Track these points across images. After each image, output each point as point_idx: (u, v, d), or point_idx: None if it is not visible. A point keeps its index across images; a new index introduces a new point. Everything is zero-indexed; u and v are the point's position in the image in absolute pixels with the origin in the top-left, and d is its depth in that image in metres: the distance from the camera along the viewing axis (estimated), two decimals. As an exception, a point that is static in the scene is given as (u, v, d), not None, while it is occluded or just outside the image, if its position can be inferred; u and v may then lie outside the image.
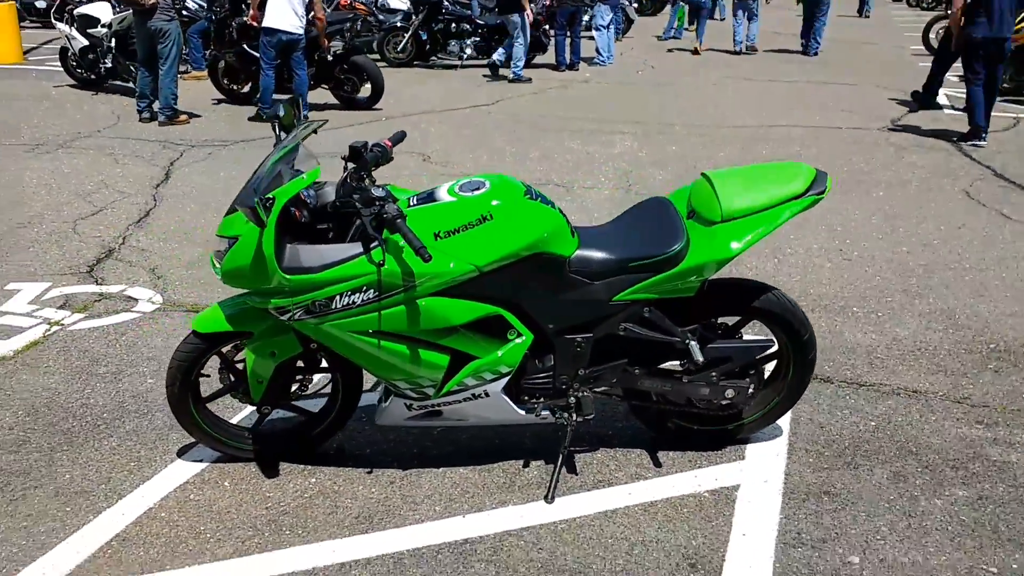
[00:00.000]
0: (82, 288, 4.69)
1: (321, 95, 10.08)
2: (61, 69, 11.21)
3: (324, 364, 3.01)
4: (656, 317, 2.82)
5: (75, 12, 10.42)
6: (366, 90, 9.88)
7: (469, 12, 13.68)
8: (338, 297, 2.61)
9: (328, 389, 3.09)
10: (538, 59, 13.52)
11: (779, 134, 8.64)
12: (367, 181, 2.69)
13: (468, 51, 13.36)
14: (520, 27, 11.95)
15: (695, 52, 14.98)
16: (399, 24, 13.39)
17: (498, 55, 12.29)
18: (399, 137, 3.01)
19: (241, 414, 3.39)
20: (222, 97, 10.30)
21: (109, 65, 10.42)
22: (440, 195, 2.75)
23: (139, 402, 3.51)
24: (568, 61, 13.13)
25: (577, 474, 3.02)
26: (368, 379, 3.14)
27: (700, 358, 2.80)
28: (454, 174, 6.98)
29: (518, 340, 2.78)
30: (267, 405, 2.97)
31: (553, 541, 2.67)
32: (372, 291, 2.60)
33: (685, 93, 11.09)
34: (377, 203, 2.51)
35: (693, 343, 2.82)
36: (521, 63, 12.02)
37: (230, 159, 7.62)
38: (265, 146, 8.09)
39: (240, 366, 2.97)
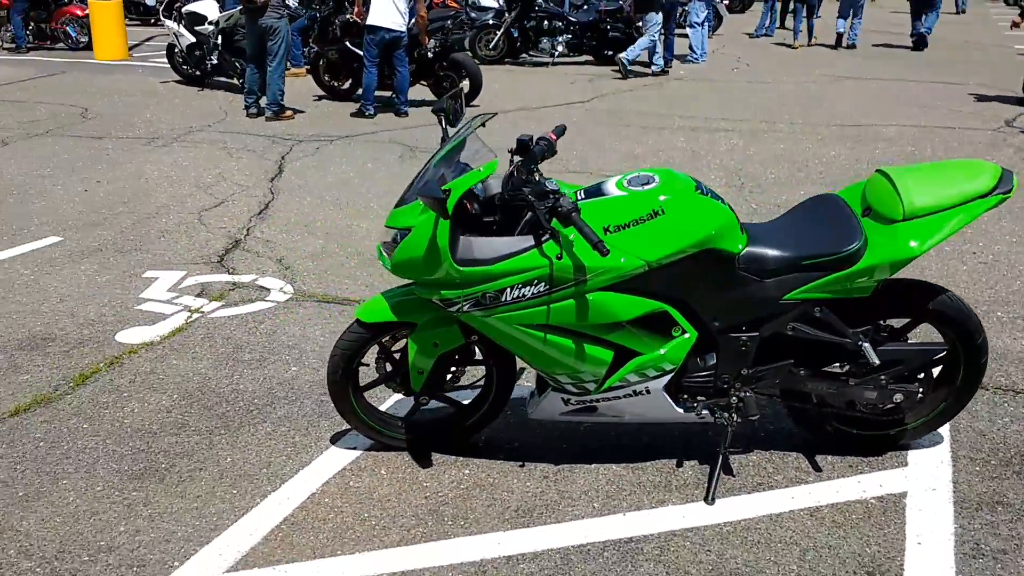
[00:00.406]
0: (216, 277, 4.80)
1: (419, 91, 10.16)
2: (167, 65, 11.56)
3: (478, 355, 3.03)
4: (828, 317, 2.75)
5: (183, 10, 10.71)
6: (464, 86, 9.93)
7: (562, 9, 13.65)
8: (508, 290, 2.61)
9: (479, 379, 3.10)
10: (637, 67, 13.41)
11: (890, 133, 8.40)
12: (536, 175, 2.68)
13: (560, 48, 13.33)
14: (656, 24, 12.13)
15: (792, 47, 14.72)
16: (491, 22, 13.43)
17: (626, 55, 12.10)
18: (561, 131, 3.00)
19: (387, 403, 3.42)
20: (323, 93, 10.47)
21: (215, 61, 10.68)
22: (609, 189, 2.73)
23: (286, 389, 3.57)
24: (664, 59, 12.97)
25: (735, 476, 2.96)
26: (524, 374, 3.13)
27: (876, 360, 2.72)
28: (564, 171, 6.96)
29: (683, 337, 2.74)
30: (425, 396, 2.99)
31: (720, 543, 2.62)
32: (543, 284, 2.59)
33: (787, 90, 10.87)
34: (551, 196, 2.50)
35: (867, 345, 2.74)
36: (660, 58, 12.35)
37: (337, 154, 7.73)
38: (371, 141, 8.22)
39: (397, 356, 3.00)
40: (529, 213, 2.67)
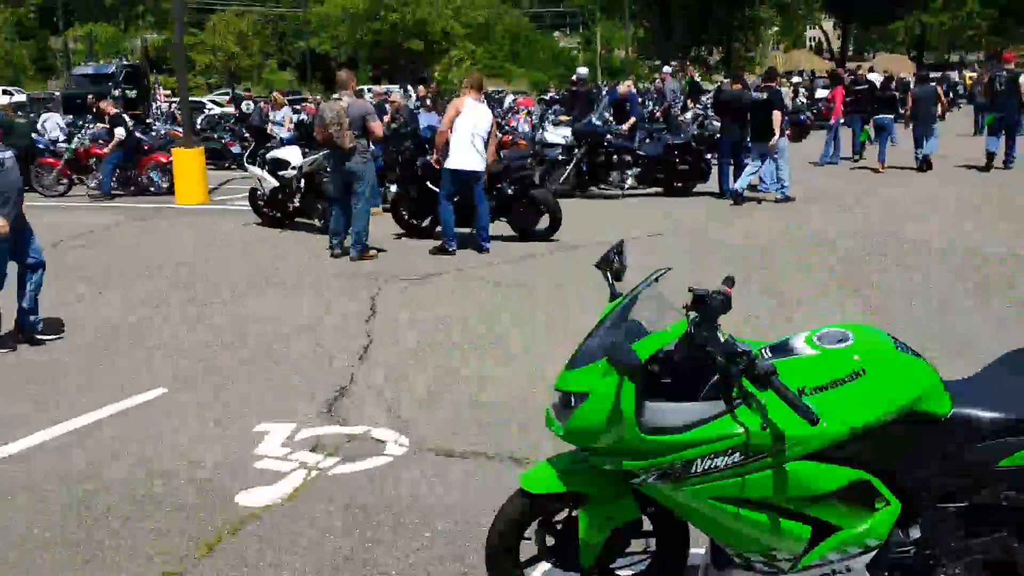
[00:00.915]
0: (328, 429, 4.66)
1: (500, 227, 10.22)
2: (247, 208, 11.87)
3: (647, 526, 2.79)
4: (1050, 484, 2.48)
5: (268, 156, 11.05)
6: (544, 221, 9.98)
7: (630, 144, 13.85)
8: (699, 460, 2.39)
9: (647, 550, 2.85)
10: (699, 187, 13.48)
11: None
12: (719, 332, 2.51)
13: (629, 181, 13.46)
14: (783, 151, 12.23)
15: (877, 171, 14.86)
16: (560, 157, 13.66)
17: (740, 183, 12.35)
18: (731, 282, 2.84)
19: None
20: (402, 231, 10.60)
21: (298, 204, 10.93)
22: (798, 346, 2.54)
23: (424, 555, 3.34)
24: (734, 192, 12.95)
25: (948, 664, 2.62)
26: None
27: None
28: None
29: (886, 508, 2.47)
30: (595, 572, 2.74)
31: None
32: (737, 454, 2.38)
33: (904, 211, 10.73)
34: (743, 357, 2.32)
35: (1101, 516, 2.45)
36: (788, 184, 12.31)
37: (427, 293, 7.72)
38: (458, 279, 8.19)
39: (560, 527, 2.77)
40: (716, 375, 2.48)
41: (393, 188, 11.28)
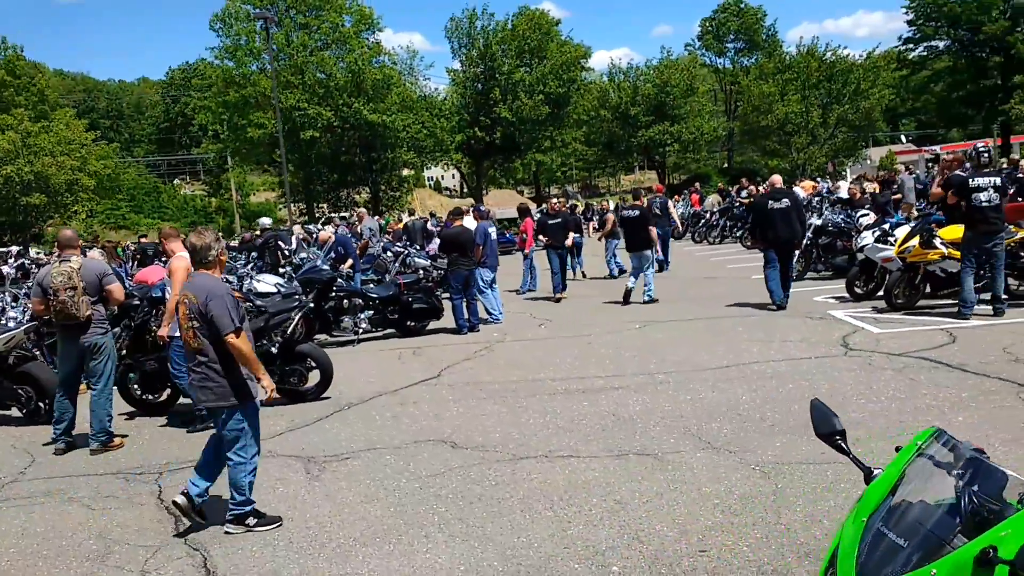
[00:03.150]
0: None
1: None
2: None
3: None
4: None
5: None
6: (313, 378, 8.98)
7: (360, 288, 13.24)
8: None
9: None
10: (433, 324, 13.21)
11: (754, 372, 8.48)
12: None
13: (364, 325, 12.79)
14: (651, 261, 14.43)
15: (557, 300, 15.42)
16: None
17: (631, 282, 14.19)
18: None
19: None
20: (132, 409, 8.93)
21: (-11, 394, 8.76)
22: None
23: None
24: (468, 324, 12.88)
25: None
26: None
27: None
28: (496, 459, 6.25)
29: None
30: None
31: None
32: None
33: (614, 340, 11.10)
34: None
35: None
36: (652, 288, 14.14)
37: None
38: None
39: None
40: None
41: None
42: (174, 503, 5.40)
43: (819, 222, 15.50)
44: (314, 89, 43.10)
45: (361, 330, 12.75)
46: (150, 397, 8.94)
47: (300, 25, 44.91)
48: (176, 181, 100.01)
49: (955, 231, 10.86)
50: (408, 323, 13.05)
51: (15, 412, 8.91)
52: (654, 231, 14.38)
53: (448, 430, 7.25)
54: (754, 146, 61.81)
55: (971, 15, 50.71)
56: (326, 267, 13.16)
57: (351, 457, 6.73)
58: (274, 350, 8.78)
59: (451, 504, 5.45)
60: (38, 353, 9.55)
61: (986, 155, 10.58)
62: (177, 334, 7.84)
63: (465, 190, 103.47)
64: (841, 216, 16.01)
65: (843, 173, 49.03)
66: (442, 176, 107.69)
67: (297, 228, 23.22)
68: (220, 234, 6.01)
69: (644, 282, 14.16)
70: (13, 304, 10.05)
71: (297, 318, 9.23)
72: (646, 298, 13.99)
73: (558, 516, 5.06)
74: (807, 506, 4.82)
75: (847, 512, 4.38)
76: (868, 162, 58.31)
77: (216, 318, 5.09)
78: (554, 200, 18.56)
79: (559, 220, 15.89)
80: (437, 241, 21.15)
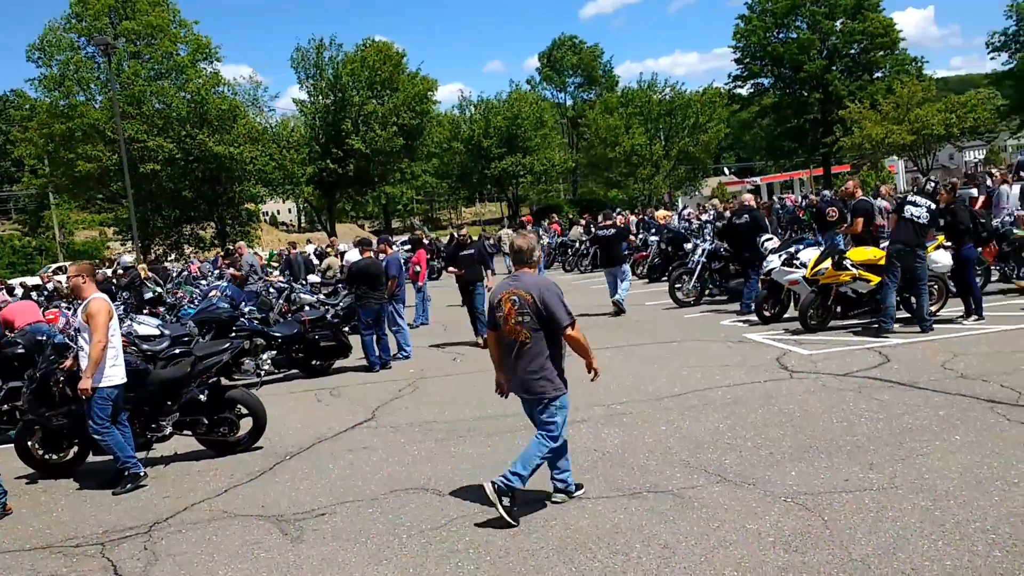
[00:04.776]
0: None
1: (183, 443, 8.10)
2: None
3: None
4: None
5: None
6: (243, 427, 8.16)
7: (262, 326, 12.31)
8: None
9: None
10: (338, 363, 12.46)
11: (714, 398, 8.35)
12: None
13: (266, 367, 11.89)
14: (627, 274, 15.70)
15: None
16: (178, 350, 11.53)
17: (618, 296, 15.05)
18: None
19: None
20: (32, 471, 7.80)
21: None
22: None
23: None
24: (380, 360, 12.23)
25: None
26: None
27: None
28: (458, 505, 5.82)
29: None
30: None
31: None
32: None
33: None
34: None
35: None
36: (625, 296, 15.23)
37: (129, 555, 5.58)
38: (167, 534, 6.11)
39: None
40: None
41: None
42: (493, 487, 5.45)
43: (711, 247, 15.88)
44: (153, 120, 40.82)
45: (264, 371, 11.84)
46: (54, 457, 7.82)
47: (131, 54, 42.49)
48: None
49: (863, 253, 11.37)
50: (314, 362, 12.27)
51: None
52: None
53: (422, 477, 6.69)
54: (598, 177, 63.90)
55: (792, 55, 54.55)
56: (224, 304, 12.17)
57: (327, 513, 6.07)
58: (202, 397, 7.90)
59: (478, 560, 4.95)
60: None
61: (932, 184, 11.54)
62: (105, 384, 6.94)
63: (303, 224, 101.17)
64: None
65: (676, 204, 51.40)
66: (278, 211, 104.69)
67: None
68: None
69: (619, 293, 15.17)
70: None
71: (227, 360, 8.37)
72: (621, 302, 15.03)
73: (609, 568, 4.66)
74: (869, 537, 4.66)
75: (913, 542, 4.27)
76: (699, 193, 61.51)
77: (554, 312, 5.48)
78: (464, 231, 16.36)
79: (471, 252, 14.15)
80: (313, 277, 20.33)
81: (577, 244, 28.22)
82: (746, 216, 14.11)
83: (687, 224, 26.06)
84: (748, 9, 56.74)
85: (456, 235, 16.99)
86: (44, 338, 9.40)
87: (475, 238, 15.08)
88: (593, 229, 29.60)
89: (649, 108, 52.90)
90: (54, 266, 43.86)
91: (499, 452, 7.17)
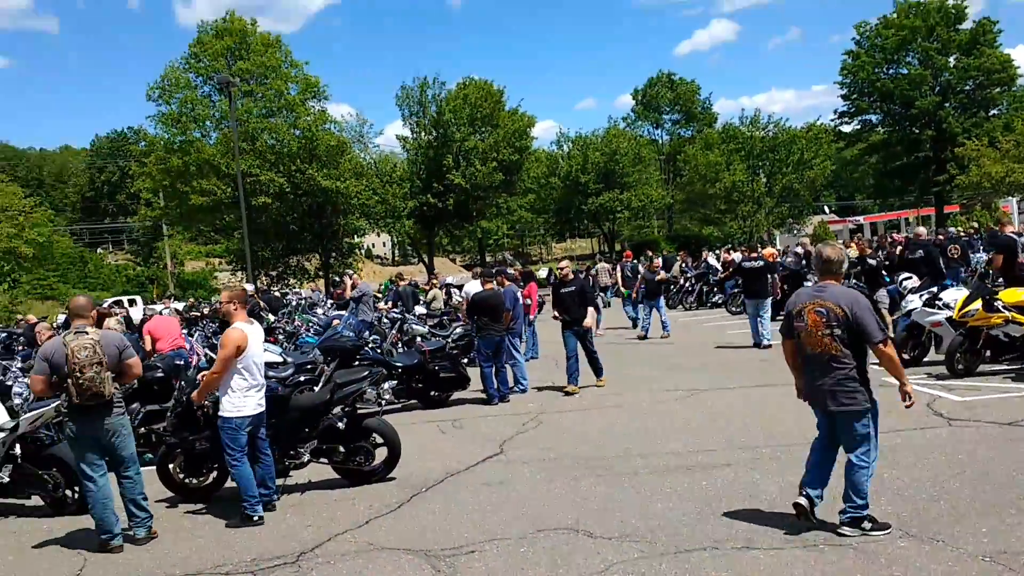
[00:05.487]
0: None
1: (317, 471, 8.07)
2: None
3: None
4: None
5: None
6: (378, 457, 8.08)
7: (384, 356, 12.34)
8: None
9: None
10: (456, 395, 12.35)
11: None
12: None
13: (387, 396, 11.87)
14: (768, 308, 15.79)
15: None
16: (303, 378, 11.65)
17: (763, 338, 15.14)
18: None
19: None
20: (172, 494, 7.87)
21: (5, 479, 7.58)
22: None
23: None
24: (499, 393, 12.07)
25: None
26: None
27: None
28: (659, 551, 5.50)
29: None
30: None
31: None
32: None
33: (679, 409, 10.45)
34: None
35: None
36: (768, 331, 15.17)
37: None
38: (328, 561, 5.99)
39: None
40: None
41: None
42: (795, 505, 5.65)
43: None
44: (265, 155, 42.13)
45: (384, 401, 11.82)
46: (194, 481, 7.89)
47: (245, 92, 44.05)
48: (99, 250, 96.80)
49: (1015, 294, 10.67)
50: (432, 393, 12.20)
51: (36, 500, 7.76)
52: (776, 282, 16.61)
53: (568, 517, 6.43)
54: (694, 214, 63.00)
55: (903, 91, 52.79)
56: (348, 333, 12.26)
57: (476, 550, 5.87)
58: (341, 425, 7.87)
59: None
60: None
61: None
62: (233, 415, 6.92)
63: (396, 257, 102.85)
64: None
65: (774, 242, 50.20)
66: (372, 244, 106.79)
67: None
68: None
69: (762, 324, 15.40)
70: (18, 375, 8.85)
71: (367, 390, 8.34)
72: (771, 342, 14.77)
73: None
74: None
75: None
76: (797, 231, 59.84)
77: (866, 326, 5.40)
78: (564, 264, 14.49)
79: (572, 288, 12.82)
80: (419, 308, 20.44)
81: (682, 281, 27.66)
82: (920, 251, 14.28)
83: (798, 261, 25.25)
84: (856, 45, 55.26)
85: (556, 271, 16.24)
86: (182, 362, 9.58)
87: (574, 274, 13.75)
88: (691, 263, 29.28)
89: (751, 144, 51.95)
90: (111, 300, 45.68)
91: (641, 493, 6.87)
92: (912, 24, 52.42)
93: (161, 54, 76.13)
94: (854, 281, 16.19)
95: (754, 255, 17.01)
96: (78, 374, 6.31)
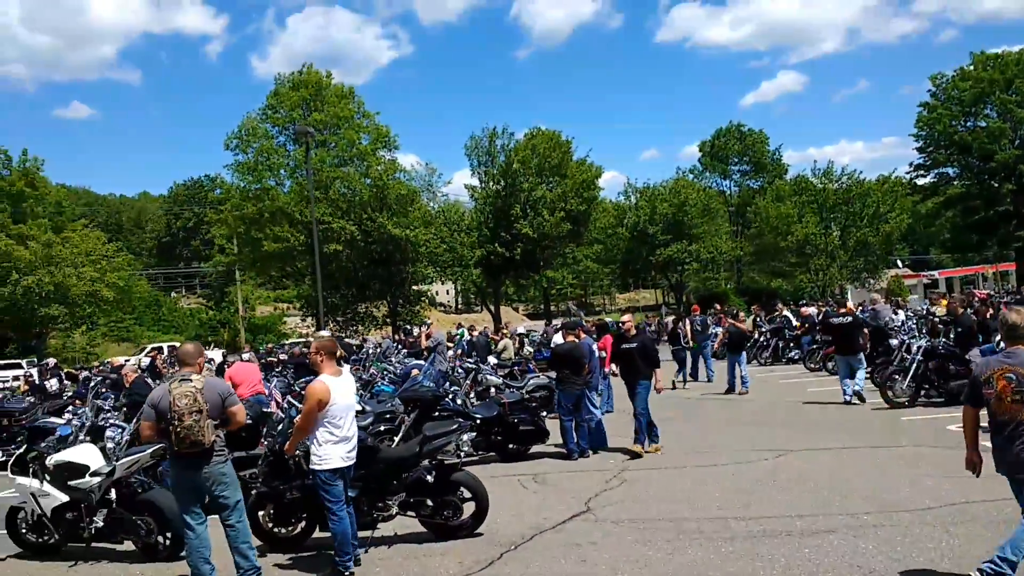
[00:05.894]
0: None
1: (402, 524, 7.98)
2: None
3: None
4: None
5: (51, 462, 7.72)
6: (466, 511, 7.96)
7: (464, 408, 12.27)
8: None
9: None
10: (537, 447, 12.19)
11: (982, 513, 7.62)
12: None
13: (466, 448, 11.74)
14: (863, 363, 15.46)
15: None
16: (383, 428, 11.64)
17: (857, 386, 15.06)
18: None
19: None
20: (259, 543, 7.85)
21: (100, 524, 7.67)
22: None
23: None
24: (579, 448, 11.87)
25: None
26: None
27: None
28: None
29: None
30: None
31: None
32: None
33: (771, 471, 10.13)
34: None
35: None
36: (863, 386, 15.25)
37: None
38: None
39: None
40: None
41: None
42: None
43: (926, 344, 14.74)
44: (338, 204, 43.02)
45: (463, 453, 11.70)
46: (283, 530, 7.87)
47: (318, 142, 45.21)
48: (173, 294, 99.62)
49: None
50: (510, 446, 12.06)
51: (128, 545, 7.82)
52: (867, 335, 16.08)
53: (668, 581, 6.22)
54: (763, 266, 62.09)
55: (982, 144, 51.63)
56: (429, 383, 12.24)
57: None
58: (429, 478, 7.79)
59: None
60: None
61: None
62: (321, 468, 6.86)
63: (460, 305, 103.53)
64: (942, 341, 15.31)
65: (847, 297, 49.04)
66: (436, 292, 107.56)
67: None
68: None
69: (856, 383, 15.20)
70: (110, 418, 9.00)
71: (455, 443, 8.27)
72: (854, 398, 14.99)
73: None
74: None
75: None
76: (870, 285, 58.36)
77: None
78: (627, 318, 13.79)
79: (634, 345, 12.15)
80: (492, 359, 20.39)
81: (757, 335, 27.12)
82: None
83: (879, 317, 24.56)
84: (932, 97, 54.42)
85: (619, 324, 13.84)
86: (268, 409, 9.64)
87: (637, 329, 12.62)
88: (764, 317, 28.66)
89: (824, 196, 51.25)
90: (151, 346, 46.66)
91: (749, 560, 6.60)
92: (990, 76, 51.47)
93: (237, 105, 78.43)
94: (942, 340, 15.67)
95: (841, 311, 16.91)
96: (176, 422, 6.35)
